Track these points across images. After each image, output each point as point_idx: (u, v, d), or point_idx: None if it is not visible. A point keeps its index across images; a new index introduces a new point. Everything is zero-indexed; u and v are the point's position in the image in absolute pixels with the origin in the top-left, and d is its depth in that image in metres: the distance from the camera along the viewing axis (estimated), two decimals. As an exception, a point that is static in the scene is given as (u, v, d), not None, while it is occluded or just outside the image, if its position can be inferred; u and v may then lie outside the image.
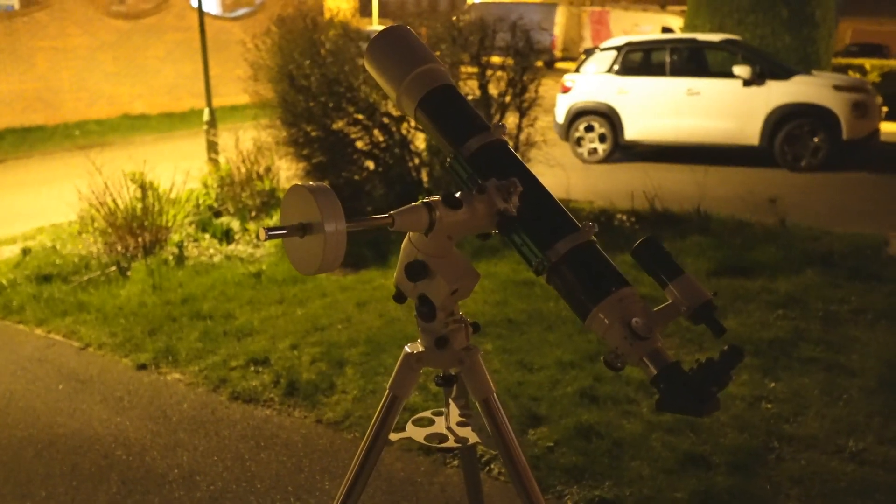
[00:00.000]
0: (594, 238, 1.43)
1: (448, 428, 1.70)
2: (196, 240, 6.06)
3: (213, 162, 8.25)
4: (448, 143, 1.57)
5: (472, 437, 1.66)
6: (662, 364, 1.28)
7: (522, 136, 6.85)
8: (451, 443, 1.66)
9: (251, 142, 6.92)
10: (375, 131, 6.40)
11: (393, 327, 4.17)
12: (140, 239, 5.66)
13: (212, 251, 5.81)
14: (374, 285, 4.91)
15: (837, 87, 9.12)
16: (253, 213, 6.63)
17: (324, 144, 6.38)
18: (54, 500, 2.76)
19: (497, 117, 6.61)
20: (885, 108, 10.40)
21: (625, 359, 1.31)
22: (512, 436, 1.57)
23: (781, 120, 9.06)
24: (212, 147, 8.65)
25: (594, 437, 3.00)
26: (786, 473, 2.77)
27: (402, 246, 1.54)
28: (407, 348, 1.60)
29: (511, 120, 6.76)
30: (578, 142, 10.19)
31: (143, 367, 3.87)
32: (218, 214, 6.63)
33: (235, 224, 6.34)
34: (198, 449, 3.08)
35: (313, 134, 6.39)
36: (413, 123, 6.40)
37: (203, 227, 6.22)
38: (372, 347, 3.91)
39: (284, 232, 1.24)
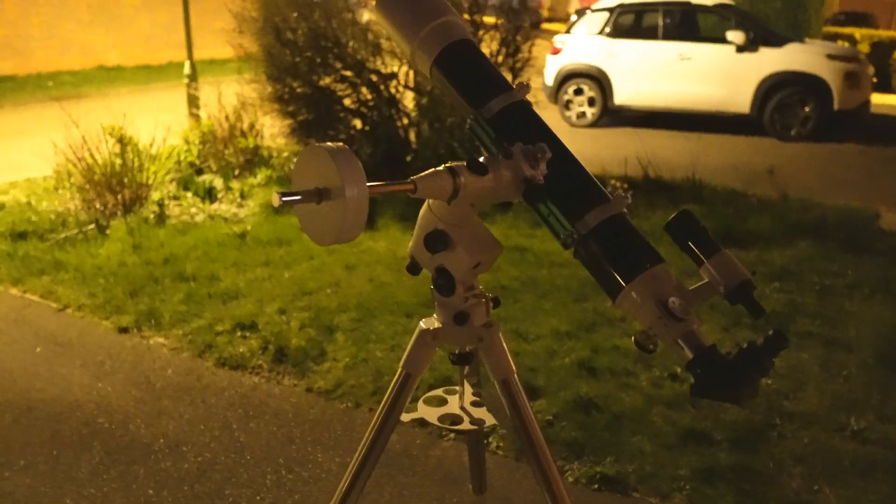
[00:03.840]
0: (625, 210, 1.33)
1: (462, 408, 1.61)
2: (177, 198, 5.87)
3: (195, 117, 7.99)
4: (467, 103, 1.46)
5: (489, 419, 1.57)
6: (699, 347, 1.20)
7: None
8: (466, 425, 1.57)
9: (234, 97, 6.69)
10: (363, 89, 6.21)
11: (383, 291, 4.06)
12: (119, 196, 5.46)
13: (194, 210, 5.64)
14: (363, 248, 4.78)
15: (831, 57, 9.02)
16: (236, 172, 6.45)
17: (310, 101, 6.19)
18: (34, 469, 2.64)
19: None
20: (874, 79, 10.34)
21: (658, 340, 1.23)
22: (532, 419, 1.48)
23: (773, 88, 8.95)
24: (193, 101, 8.37)
25: (593, 411, 2.93)
26: (788, 451, 2.72)
27: (421, 214, 1.43)
28: (422, 324, 1.50)
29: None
30: (567, 105, 10.03)
31: (124, 330, 3.73)
32: (200, 172, 6.42)
33: (218, 182, 6.15)
34: (184, 417, 2.97)
35: (299, 90, 6.19)
36: (402, 82, 6.22)
37: (185, 184, 6.03)
38: (362, 313, 3.80)
39: (299, 198, 1.12)
